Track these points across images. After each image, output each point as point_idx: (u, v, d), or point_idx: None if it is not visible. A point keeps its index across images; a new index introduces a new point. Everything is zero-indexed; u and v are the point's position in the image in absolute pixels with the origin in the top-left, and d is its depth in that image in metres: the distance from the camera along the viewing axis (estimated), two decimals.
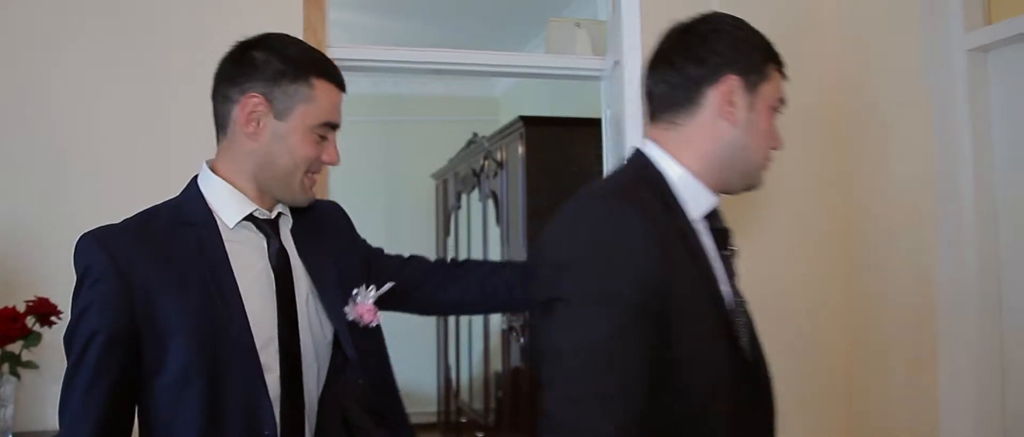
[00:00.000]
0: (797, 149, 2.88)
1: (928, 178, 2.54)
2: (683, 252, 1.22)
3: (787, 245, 2.88)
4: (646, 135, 1.36)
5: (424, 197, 6.09)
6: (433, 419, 5.92)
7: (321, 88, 1.38)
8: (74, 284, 1.33)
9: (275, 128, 1.36)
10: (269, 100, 1.35)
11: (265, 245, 1.41)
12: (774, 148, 1.36)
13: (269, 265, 1.40)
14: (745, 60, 1.32)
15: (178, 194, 1.44)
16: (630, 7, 2.62)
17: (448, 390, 5.67)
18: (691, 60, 1.31)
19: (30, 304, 2.12)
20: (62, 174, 2.35)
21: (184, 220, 1.38)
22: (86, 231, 1.35)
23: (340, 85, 1.42)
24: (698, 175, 1.30)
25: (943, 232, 2.51)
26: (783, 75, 1.37)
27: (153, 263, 1.31)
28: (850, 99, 2.86)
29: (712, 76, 1.30)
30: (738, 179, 1.34)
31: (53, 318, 2.12)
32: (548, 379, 1.13)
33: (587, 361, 1.10)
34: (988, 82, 2.50)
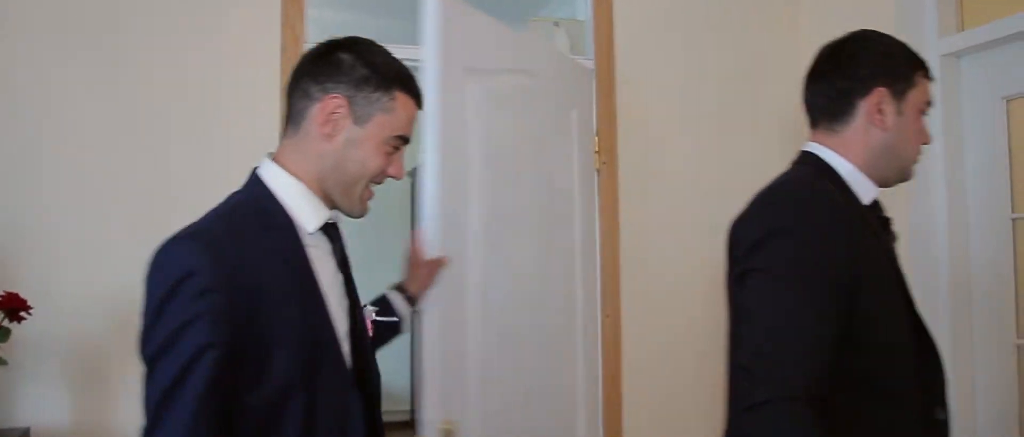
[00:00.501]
0: (774, 152, 2.91)
1: (901, 190, 2.56)
2: (863, 232, 1.41)
3: None
4: (810, 139, 1.55)
5: (401, 194, 6.08)
6: (406, 417, 5.92)
7: (401, 101, 1.37)
8: (156, 291, 1.19)
9: (351, 132, 1.34)
10: (351, 104, 1.34)
11: (331, 249, 1.38)
12: (924, 144, 1.54)
13: (337, 270, 1.38)
14: (892, 72, 1.48)
15: (242, 190, 1.35)
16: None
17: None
18: (843, 75, 1.50)
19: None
20: (31, 170, 2.31)
21: (268, 222, 1.31)
22: (178, 234, 1.24)
23: (419, 101, 1.42)
24: (861, 170, 1.48)
25: (915, 234, 2.54)
26: (929, 78, 1.52)
27: (253, 270, 1.23)
28: None
29: (862, 89, 1.48)
30: (893, 174, 1.53)
31: (23, 313, 2.09)
32: (745, 336, 1.33)
33: (783, 323, 1.28)
34: (960, 86, 2.55)
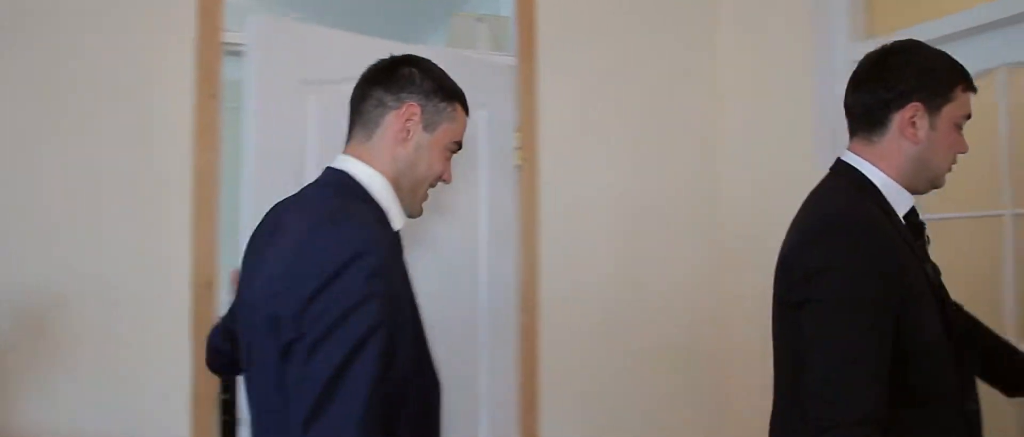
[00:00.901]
0: (692, 151, 2.96)
1: (809, 181, 2.64)
2: (904, 248, 1.49)
3: (668, 241, 2.94)
4: (848, 148, 1.62)
5: None
6: None
7: (459, 112, 1.54)
8: (323, 270, 1.23)
9: (421, 138, 1.49)
10: (423, 112, 1.49)
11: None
12: (960, 152, 1.57)
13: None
14: (930, 86, 1.52)
15: (331, 183, 1.45)
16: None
17: None
18: (882, 86, 1.54)
19: None
20: None
21: (378, 216, 1.43)
22: (333, 217, 1.33)
23: (468, 112, 1.58)
24: (896, 180, 1.55)
25: None
26: (971, 90, 1.56)
27: (392, 258, 1.36)
28: (743, 106, 2.95)
29: (898, 101, 1.52)
30: (923, 184, 1.58)
31: None
32: (812, 365, 1.41)
33: (848, 352, 1.38)
34: None
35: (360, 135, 1.49)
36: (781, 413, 1.60)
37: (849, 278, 1.42)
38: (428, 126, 1.49)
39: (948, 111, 1.53)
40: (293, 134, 2.31)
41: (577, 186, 2.79)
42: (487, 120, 2.66)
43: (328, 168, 1.48)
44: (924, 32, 2.41)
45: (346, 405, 1.17)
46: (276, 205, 1.53)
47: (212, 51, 2.38)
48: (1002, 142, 2.26)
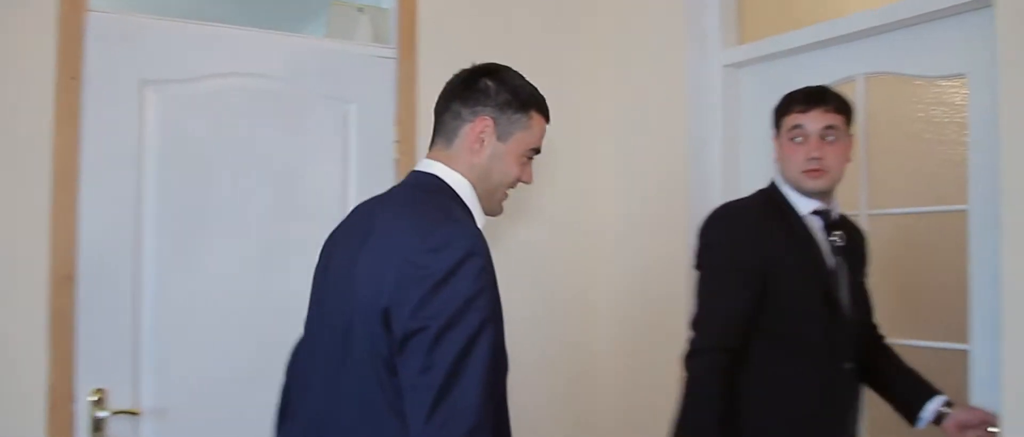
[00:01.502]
0: (570, 149, 3.00)
1: (683, 182, 2.73)
2: (784, 234, 2.00)
3: (555, 241, 2.98)
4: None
5: None
6: None
7: (536, 120, 1.64)
8: (440, 267, 1.36)
9: (495, 148, 1.59)
10: (496, 124, 1.58)
11: None
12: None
13: None
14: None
15: (426, 185, 1.58)
16: None
17: None
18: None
19: None
20: None
21: (470, 216, 1.58)
22: (437, 216, 1.46)
23: (548, 118, 1.67)
24: (795, 189, 2.03)
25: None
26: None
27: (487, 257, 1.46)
28: (619, 106, 3.01)
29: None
30: (804, 191, 2.05)
31: None
32: (695, 312, 1.99)
33: (709, 300, 1.98)
34: (740, 94, 2.75)
35: (441, 142, 1.61)
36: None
37: (723, 251, 2.00)
38: (501, 136, 1.59)
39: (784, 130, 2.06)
40: (129, 137, 2.33)
41: None
42: (362, 113, 2.64)
43: (415, 171, 1.62)
44: (791, 41, 2.54)
45: (467, 387, 1.31)
46: (362, 206, 1.67)
47: (73, 27, 2.25)
48: (859, 147, 2.39)
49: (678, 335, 2.68)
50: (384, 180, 2.66)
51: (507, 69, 1.66)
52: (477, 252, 1.39)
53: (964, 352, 2.18)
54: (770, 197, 2.07)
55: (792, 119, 2.02)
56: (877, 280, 2.25)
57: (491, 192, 1.62)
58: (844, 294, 2.02)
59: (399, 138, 2.68)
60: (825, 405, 1.98)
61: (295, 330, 2.45)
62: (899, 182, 2.58)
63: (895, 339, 2.25)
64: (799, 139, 2.00)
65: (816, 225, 2.03)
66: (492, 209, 1.65)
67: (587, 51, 3.05)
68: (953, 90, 2.39)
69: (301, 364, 1.69)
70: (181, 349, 2.37)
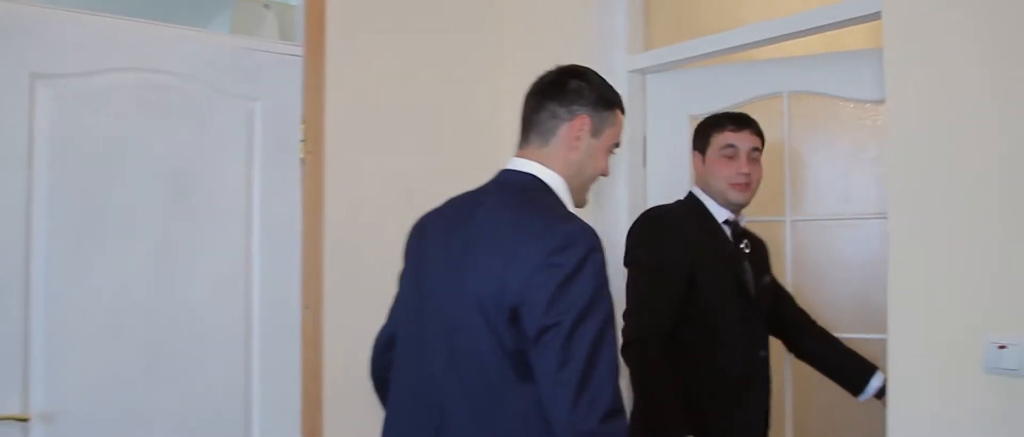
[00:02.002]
0: (478, 151, 3.01)
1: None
2: (703, 238, 2.27)
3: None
4: (693, 184, 2.40)
5: None
6: None
7: (619, 116, 1.74)
8: (568, 262, 1.46)
9: (589, 144, 1.70)
10: (592, 121, 1.69)
11: None
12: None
13: None
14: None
15: (521, 182, 1.67)
16: None
17: None
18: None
19: None
20: None
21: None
22: (561, 215, 1.59)
23: (624, 114, 1.78)
24: (715, 200, 2.31)
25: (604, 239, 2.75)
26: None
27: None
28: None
29: (700, 148, 2.39)
30: (728, 204, 2.33)
31: None
32: (626, 307, 2.19)
33: (639, 294, 2.19)
34: (645, 99, 2.80)
35: (536, 142, 1.70)
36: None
37: (654, 248, 2.24)
38: (595, 133, 1.70)
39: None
40: (18, 134, 2.23)
41: (364, 180, 2.76)
42: (268, 112, 2.59)
43: (508, 170, 1.71)
44: (696, 48, 2.61)
45: (603, 374, 1.43)
46: (455, 202, 1.78)
47: None
48: (784, 158, 2.62)
49: None
50: (290, 180, 2.62)
51: (590, 70, 1.76)
52: (597, 247, 1.50)
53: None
54: (692, 205, 2.34)
55: (725, 137, 2.28)
56: (800, 279, 2.56)
57: (583, 185, 1.73)
58: (753, 288, 2.32)
59: (306, 138, 2.64)
60: (746, 387, 2.25)
61: (194, 333, 2.42)
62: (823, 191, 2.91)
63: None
64: (730, 155, 2.27)
65: (726, 234, 2.32)
66: (581, 201, 1.75)
67: (492, 52, 3.07)
68: (874, 110, 2.64)
69: (409, 354, 1.74)
70: (73, 353, 2.28)
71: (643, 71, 2.79)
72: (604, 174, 1.76)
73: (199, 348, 2.44)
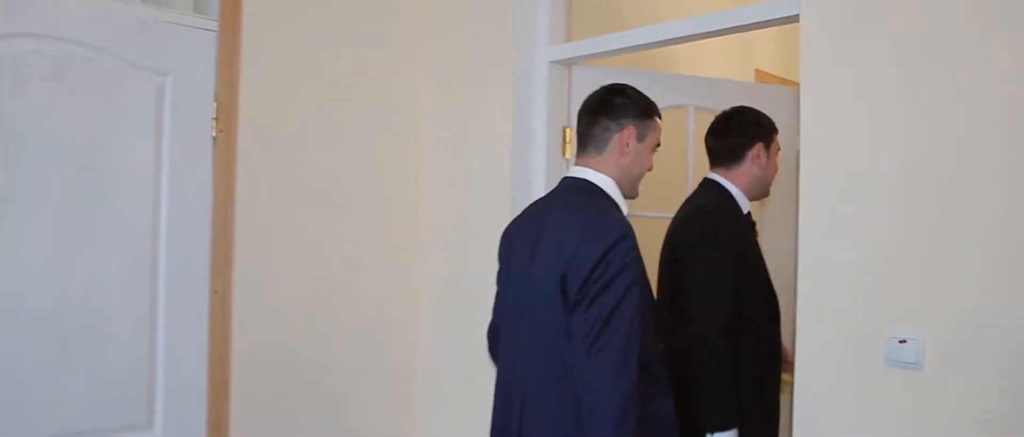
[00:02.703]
0: (395, 136, 2.97)
1: (507, 176, 2.77)
2: (742, 232, 2.39)
3: (368, 223, 2.95)
4: (712, 170, 2.50)
5: None
6: None
7: (657, 122, 2.05)
8: (600, 247, 1.79)
9: (636, 148, 2.01)
10: (637, 130, 2.00)
11: None
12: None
13: None
14: (767, 134, 2.48)
15: (576, 185, 2.00)
16: None
17: None
18: (738, 132, 2.46)
19: None
20: None
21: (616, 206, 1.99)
22: (598, 211, 1.90)
23: (661, 118, 2.07)
24: (744, 193, 2.44)
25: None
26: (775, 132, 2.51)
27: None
28: (446, 95, 3.01)
29: (748, 144, 2.45)
30: (760, 195, 2.51)
31: None
32: (695, 300, 2.29)
33: (708, 290, 2.28)
34: (568, 90, 2.82)
35: (592, 151, 2.02)
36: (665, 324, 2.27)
37: (715, 243, 2.31)
38: (640, 138, 2.01)
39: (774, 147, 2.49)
40: None
41: (280, 162, 2.69)
42: (179, 88, 2.49)
43: (569, 177, 2.04)
44: (617, 41, 2.63)
45: (617, 330, 1.75)
46: (535, 206, 2.09)
47: None
48: (689, 161, 2.91)
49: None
50: (202, 158, 2.53)
51: (628, 86, 2.06)
52: (627, 235, 1.82)
53: None
54: (726, 199, 2.44)
55: (778, 139, 2.49)
56: None
57: (633, 182, 2.04)
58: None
59: (218, 116, 2.55)
60: (772, 368, 2.41)
61: (97, 316, 2.31)
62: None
63: None
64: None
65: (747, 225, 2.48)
66: (633, 194, 2.06)
67: (414, 36, 3.03)
68: None
69: (504, 342, 2.09)
70: None
71: (565, 62, 2.80)
72: (649, 170, 2.07)
73: (102, 331, 2.34)
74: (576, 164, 2.05)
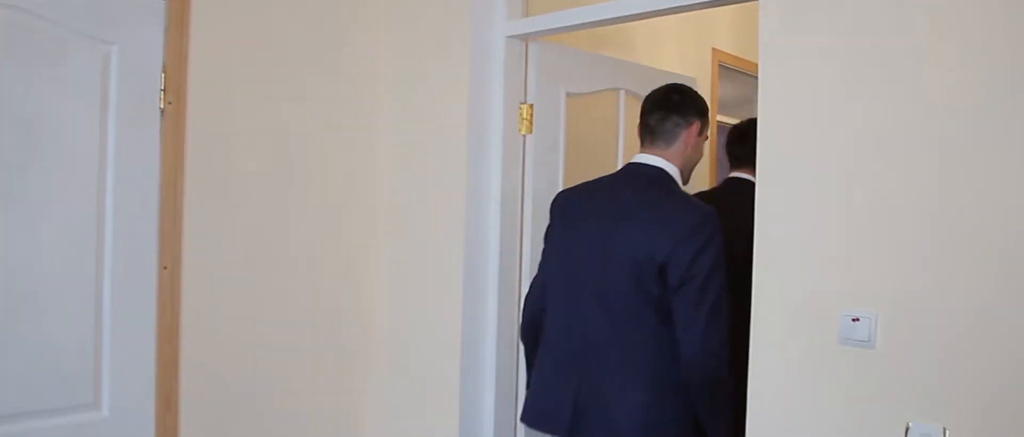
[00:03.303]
0: (350, 110, 2.93)
1: (461, 148, 2.75)
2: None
3: (320, 199, 2.91)
4: (739, 170, 2.93)
5: None
6: None
7: (709, 118, 2.36)
8: (701, 232, 2.09)
9: (697, 141, 2.33)
10: (700, 125, 2.31)
11: None
12: None
13: None
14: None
15: (645, 171, 2.28)
16: None
17: None
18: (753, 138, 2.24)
19: None
20: None
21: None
22: (687, 197, 2.28)
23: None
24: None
25: (472, 201, 2.74)
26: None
27: None
28: (406, 77, 2.97)
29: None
30: None
31: None
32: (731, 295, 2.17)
33: (740, 285, 2.14)
34: (525, 65, 2.80)
35: (661, 143, 2.29)
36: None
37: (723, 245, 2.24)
38: (700, 133, 2.33)
39: None
40: None
41: (232, 136, 2.63)
42: (126, 57, 2.40)
43: (637, 163, 2.31)
44: (574, 17, 2.61)
45: (723, 315, 2.09)
46: (599, 184, 2.35)
47: None
48: (619, 142, 3.06)
49: (454, 318, 2.71)
50: (150, 132, 2.45)
51: (685, 85, 2.41)
52: (719, 225, 2.10)
53: None
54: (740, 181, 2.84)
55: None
56: None
57: (690, 170, 2.36)
58: None
59: (167, 87, 2.48)
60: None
61: (39, 292, 2.24)
62: None
63: None
64: None
65: None
66: (688, 180, 2.34)
67: (371, 8, 2.98)
68: None
69: (555, 296, 2.32)
70: None
71: (523, 37, 2.78)
72: (701, 158, 2.40)
73: (44, 308, 2.27)
74: (645, 152, 2.31)
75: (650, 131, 2.30)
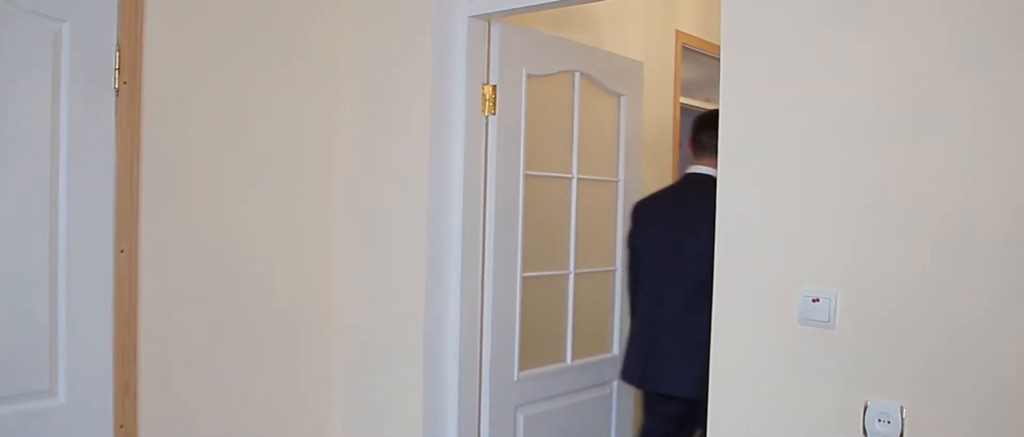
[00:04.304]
0: (312, 95, 2.89)
1: (424, 129, 2.72)
2: None
3: (281, 189, 2.87)
4: (704, 164, 2.94)
5: None
6: None
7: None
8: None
9: None
10: None
11: None
12: None
13: None
14: None
15: (698, 180, 2.89)
16: None
17: None
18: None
19: None
20: None
21: None
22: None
23: None
24: None
25: (435, 181, 2.72)
26: None
27: None
28: (368, 56, 2.93)
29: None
30: None
31: None
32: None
33: None
34: (487, 46, 2.78)
35: (709, 156, 2.80)
36: None
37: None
38: None
39: None
40: None
41: (188, 115, 2.58)
42: (77, 35, 2.32)
43: (697, 173, 2.92)
44: None
45: None
46: (664, 196, 3.05)
47: None
48: (574, 124, 3.09)
49: (418, 296, 2.70)
50: (104, 112, 2.39)
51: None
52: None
53: None
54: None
55: None
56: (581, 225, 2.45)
57: None
58: None
59: (121, 66, 2.42)
60: None
61: None
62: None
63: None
64: None
65: None
66: None
67: (331, 14, 2.94)
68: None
69: (650, 291, 2.98)
70: None
71: (485, 17, 2.75)
72: None
73: None
74: (699, 163, 2.93)
75: (701, 146, 2.92)
